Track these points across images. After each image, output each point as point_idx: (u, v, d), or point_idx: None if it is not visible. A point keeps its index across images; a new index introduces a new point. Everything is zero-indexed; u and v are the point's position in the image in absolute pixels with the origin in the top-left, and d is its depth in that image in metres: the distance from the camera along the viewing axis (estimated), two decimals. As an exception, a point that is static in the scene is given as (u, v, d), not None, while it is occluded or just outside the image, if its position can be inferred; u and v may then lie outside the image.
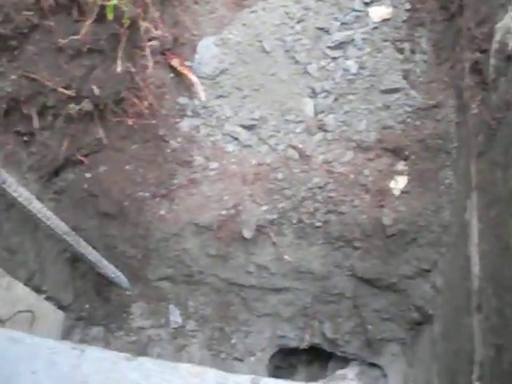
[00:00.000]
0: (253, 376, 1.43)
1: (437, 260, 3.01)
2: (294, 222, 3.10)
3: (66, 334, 3.34)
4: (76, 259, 3.17)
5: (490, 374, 2.23)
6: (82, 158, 2.91)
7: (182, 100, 3.10)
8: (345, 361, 3.70)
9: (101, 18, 2.42)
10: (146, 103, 2.84)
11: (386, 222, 2.99)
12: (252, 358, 3.53)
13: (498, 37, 2.49)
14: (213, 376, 1.41)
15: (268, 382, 1.41)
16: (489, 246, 2.37)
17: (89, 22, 2.36)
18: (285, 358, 3.90)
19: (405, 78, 3.11)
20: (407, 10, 3.14)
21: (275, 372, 3.84)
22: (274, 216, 3.09)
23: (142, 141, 3.00)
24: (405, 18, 3.14)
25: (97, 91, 2.61)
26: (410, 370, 3.34)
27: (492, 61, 2.54)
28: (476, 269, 2.48)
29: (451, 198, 2.94)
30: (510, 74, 2.35)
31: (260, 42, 3.11)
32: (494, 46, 2.53)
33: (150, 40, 2.74)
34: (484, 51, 2.65)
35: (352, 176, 3.06)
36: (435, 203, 2.97)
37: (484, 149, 2.55)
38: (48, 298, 3.09)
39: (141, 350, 3.40)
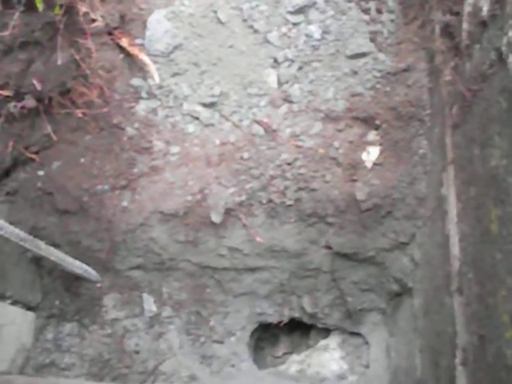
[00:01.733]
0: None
1: (414, 233, 2.91)
2: (264, 202, 2.96)
3: (38, 334, 3.21)
4: (41, 257, 3.00)
5: (473, 361, 2.17)
6: (33, 156, 2.71)
7: (136, 82, 2.88)
8: (326, 330, 3.65)
9: (30, 7, 2.17)
10: (95, 91, 2.62)
11: (360, 196, 2.86)
12: (232, 338, 3.45)
13: (470, -1, 2.31)
14: None
15: None
16: (469, 228, 2.26)
17: (17, 13, 2.10)
18: (266, 330, 3.83)
19: (372, 40, 2.93)
20: (371, -34, 2.92)
21: (257, 344, 3.79)
22: (243, 197, 2.94)
23: (95, 131, 2.80)
24: (369, -26, 2.92)
25: (38, 86, 2.39)
26: (392, 339, 3.30)
27: (465, 25, 2.38)
28: (455, 249, 2.38)
29: (426, 169, 2.81)
30: (484, 42, 2.18)
31: (215, 12, 2.88)
32: (467, 8, 2.36)
33: (92, 22, 2.50)
34: (456, 13, 2.47)
35: (322, 150, 2.90)
36: (410, 175, 2.84)
37: (459, 121, 2.41)
38: (14, 303, 2.95)
39: (117, 342, 3.29)
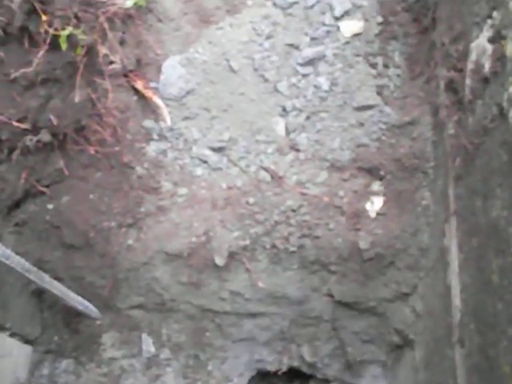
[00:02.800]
0: None
1: (416, 284, 2.92)
2: (268, 247, 2.99)
3: (34, 369, 3.20)
4: (43, 291, 3.02)
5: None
6: (43, 189, 2.77)
7: (148, 123, 2.96)
8: (326, 380, 3.61)
9: (54, 46, 2.27)
10: (108, 130, 2.70)
11: (363, 245, 2.89)
12: (229, 384, 3.42)
13: (473, 56, 2.40)
14: None
15: None
16: (470, 278, 2.28)
17: (41, 52, 2.20)
18: (264, 379, 3.80)
19: (378, 93, 3.02)
20: (379, 24, 3.04)
21: (254, 394, 3.76)
22: (247, 242, 2.98)
23: (106, 168, 2.86)
24: (377, 31, 3.04)
25: (55, 121, 2.47)
26: (392, 393, 3.27)
27: (468, 81, 2.45)
28: (457, 300, 2.40)
29: (429, 220, 2.85)
30: (486, 97, 2.25)
31: (227, 60, 2.98)
32: (470, 65, 2.43)
33: (110, 64, 2.60)
34: (459, 70, 2.56)
35: (326, 198, 2.95)
36: (413, 225, 2.88)
37: (462, 173, 2.46)
38: (13, 335, 2.95)
39: (113, 382, 3.27)
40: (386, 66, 3.05)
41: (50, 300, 3.17)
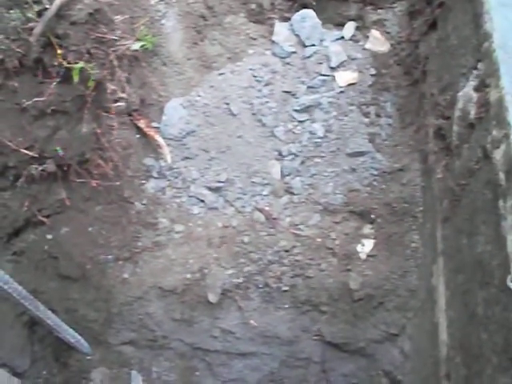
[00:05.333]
0: None
1: (405, 324, 2.98)
2: (261, 286, 3.06)
3: (21, 403, 3.18)
4: (35, 323, 3.04)
5: None
6: (44, 219, 2.84)
7: (148, 161, 3.07)
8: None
9: (66, 79, 2.40)
10: (111, 164, 2.80)
11: (353, 286, 2.96)
12: (218, 425, 3.41)
13: (460, 105, 2.53)
14: None
15: None
16: (456, 313, 2.35)
17: (54, 83, 2.33)
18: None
19: (370, 141, 3.14)
20: (372, 75, 3.19)
21: None
22: (240, 280, 3.04)
23: (106, 202, 2.95)
24: (370, 82, 3.19)
25: (61, 152, 2.56)
26: None
27: (455, 128, 2.58)
28: (444, 336, 2.45)
29: (418, 262, 2.93)
30: (472, 141, 2.38)
31: (227, 104, 3.11)
32: (457, 113, 2.57)
33: (116, 101, 2.72)
34: (447, 118, 2.69)
35: (319, 239, 3.04)
36: (402, 267, 2.96)
37: (449, 214, 2.56)
38: (1, 365, 2.94)
39: (101, 418, 3.26)
40: (378, 115, 3.19)
41: (41, 333, 3.18)
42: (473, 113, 2.38)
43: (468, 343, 2.18)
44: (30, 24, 2.22)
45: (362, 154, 3.12)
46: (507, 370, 1.79)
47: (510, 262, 1.84)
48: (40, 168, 2.54)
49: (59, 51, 2.26)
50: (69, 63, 2.29)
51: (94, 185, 2.81)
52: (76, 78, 2.34)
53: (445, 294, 2.50)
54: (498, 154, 2.05)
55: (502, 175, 1.99)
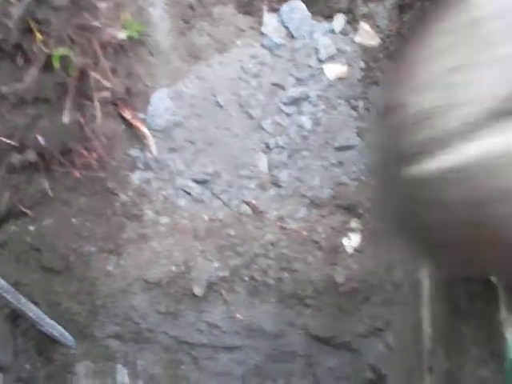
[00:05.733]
0: None
1: (390, 319, 2.97)
2: (246, 279, 3.03)
3: (3, 397, 3.15)
4: (17, 316, 3.01)
5: None
6: (26, 210, 2.80)
7: (134, 152, 3.03)
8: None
9: (47, 66, 2.35)
10: (95, 155, 2.76)
11: (339, 279, 2.95)
12: (203, 419, 3.39)
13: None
14: None
15: None
16: (440, 306, 2.33)
17: (34, 69, 2.29)
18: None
19: (359, 135, 3.12)
20: (362, 69, 3.17)
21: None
22: (226, 273, 3.02)
23: (90, 193, 2.91)
24: (359, 76, 3.16)
25: (42, 141, 2.52)
26: (364, 432, 3.25)
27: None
28: (428, 329, 2.44)
29: (403, 256, 2.91)
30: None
31: (214, 95, 3.08)
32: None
33: (100, 90, 2.68)
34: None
35: (305, 233, 3.01)
36: (388, 262, 2.94)
37: (436, 209, 2.54)
38: (-16, 360, 2.92)
39: (84, 412, 3.23)
40: (367, 109, 3.17)
41: (24, 326, 3.14)
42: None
43: (451, 337, 2.16)
44: (9, 8, 2.17)
45: (350, 147, 3.10)
46: (488, 364, 1.78)
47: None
48: (21, 157, 2.50)
49: (39, 37, 2.22)
50: (50, 50, 2.25)
51: (78, 175, 2.77)
52: (57, 65, 2.30)
53: (429, 288, 2.48)
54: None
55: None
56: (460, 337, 2.07)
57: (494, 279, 1.82)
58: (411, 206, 1.12)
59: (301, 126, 3.11)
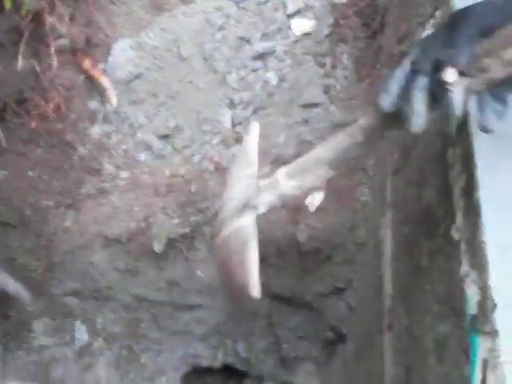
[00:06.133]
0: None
1: (351, 278, 2.96)
2: (208, 236, 2.98)
3: (-42, 354, 3.09)
4: (-27, 272, 2.93)
5: (397, 395, 2.18)
6: (-21, 162, 2.71)
7: (93, 105, 2.94)
8: (259, 380, 3.59)
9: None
10: (52, 105, 2.66)
11: (301, 238, 2.91)
12: (163, 378, 3.37)
13: (415, 54, 2.47)
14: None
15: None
16: (401, 264, 2.33)
17: (-15, 13, 2.18)
18: (198, 378, 3.75)
19: (325, 92, 3.06)
20: (330, 26, 3.10)
21: (188, 392, 3.71)
22: (187, 230, 2.96)
23: (47, 146, 2.81)
24: (327, 32, 3.10)
25: (-7, 88, 2.42)
26: (323, 390, 3.28)
27: (409, 78, 2.52)
28: (389, 288, 2.43)
29: (366, 215, 2.89)
30: (425, 91, 2.32)
31: (178, 47, 2.99)
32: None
33: (57, 37, 2.57)
34: (402, 68, 2.63)
35: (268, 190, 2.96)
36: (351, 221, 2.92)
37: (399, 166, 2.52)
38: None
39: (43, 369, 3.18)
40: (333, 66, 3.11)
41: (-20, 282, 3.07)
42: (427, 61, 2.32)
43: (411, 294, 2.16)
44: None
45: (315, 105, 3.04)
46: (448, 318, 1.77)
47: (455, 211, 1.80)
48: (-27, 105, 2.40)
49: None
50: (1, -10, 2.14)
51: (34, 126, 2.68)
52: (8, 5, 2.19)
53: (391, 246, 2.47)
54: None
55: (452, 123, 1.94)
56: (420, 294, 2.06)
57: (456, 235, 1.80)
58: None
59: (266, 82, 3.05)
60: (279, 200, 1.75)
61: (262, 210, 1.76)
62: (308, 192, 1.71)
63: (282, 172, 1.79)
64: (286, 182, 1.74)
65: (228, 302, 2.16)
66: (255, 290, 1.74)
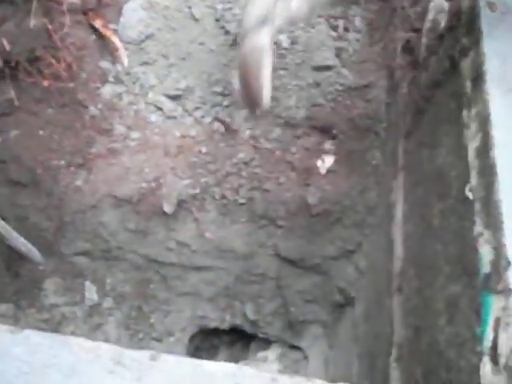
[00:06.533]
0: (151, 352, 1.32)
1: (361, 241, 2.98)
2: (217, 197, 3.00)
3: (-29, 311, 3.13)
4: (-16, 231, 2.95)
5: (408, 354, 2.20)
6: (-9, 121, 2.70)
7: (105, 64, 2.91)
8: (267, 342, 3.64)
9: (12, -37, 2.22)
10: (63, 65, 2.64)
11: (311, 200, 2.93)
12: (171, 339, 3.42)
13: (430, 15, 2.45)
14: (107, 351, 1.29)
15: (168, 359, 1.30)
16: (413, 226, 2.34)
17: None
18: (206, 339, 3.81)
19: (337, 55, 3.03)
20: (343, -13, 3.06)
21: (195, 353, 3.75)
22: (197, 191, 2.97)
23: (58, 105, 2.80)
24: (340, -6, 3.06)
25: (7, 46, 2.40)
26: (331, 352, 3.32)
27: (424, 40, 2.51)
28: (399, 250, 2.45)
29: (378, 179, 2.90)
30: (440, 53, 2.31)
31: (189, 8, 2.95)
32: (427, 24, 2.49)
33: (69, -3, 2.55)
34: (417, 30, 2.61)
35: (278, 153, 2.97)
36: (361, 184, 2.93)
37: (412, 129, 2.51)
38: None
39: (53, 328, 3.22)
40: (346, 29, 3.07)
41: (-9, 242, 3.10)
42: (443, 23, 2.30)
43: (422, 255, 2.17)
44: None
45: (327, 68, 3.02)
46: (459, 278, 1.79)
47: (470, 171, 1.80)
48: (-15, 62, 2.39)
49: None
50: None
51: (46, 85, 2.66)
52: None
53: (403, 208, 2.48)
54: (465, 63, 1.99)
55: (468, 84, 1.93)
56: (432, 255, 2.07)
57: (470, 195, 1.81)
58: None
59: (278, 44, 3.01)
60: (293, 17, 2.08)
61: (279, 23, 2.02)
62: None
63: None
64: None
65: (244, 104, 2.28)
66: (265, 100, 2.08)
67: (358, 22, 3.07)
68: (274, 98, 2.98)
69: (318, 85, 3.02)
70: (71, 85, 2.75)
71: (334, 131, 2.98)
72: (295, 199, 2.95)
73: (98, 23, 2.82)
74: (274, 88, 2.97)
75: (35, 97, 2.75)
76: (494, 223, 1.59)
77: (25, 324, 3.20)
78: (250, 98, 2.12)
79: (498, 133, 1.66)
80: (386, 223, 2.66)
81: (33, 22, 2.38)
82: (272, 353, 3.60)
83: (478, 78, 1.84)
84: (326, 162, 2.97)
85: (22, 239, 2.96)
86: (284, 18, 2.04)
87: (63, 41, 2.64)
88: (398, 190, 2.57)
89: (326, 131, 3.00)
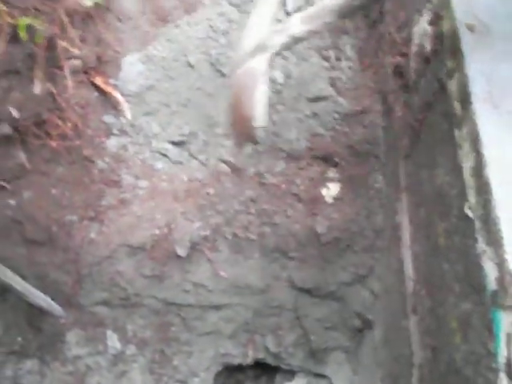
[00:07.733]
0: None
1: (373, 265, 3.02)
2: (229, 236, 3.06)
3: (-3, 371, 3.17)
4: (5, 290, 3.02)
5: (428, 375, 2.23)
6: (5, 184, 2.79)
7: (108, 119, 3.02)
8: (291, 373, 3.65)
9: (15, 38, 2.34)
10: (69, 124, 2.75)
11: (320, 230, 2.98)
12: (196, 379, 3.44)
13: (416, 40, 2.54)
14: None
15: None
16: (420, 247, 2.39)
17: (2, 42, 2.26)
18: (231, 376, 3.82)
19: (332, 85, 3.13)
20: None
21: (222, 391, 3.77)
22: (208, 232, 3.04)
23: (67, 163, 2.90)
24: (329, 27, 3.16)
25: (15, 114, 2.51)
26: (356, 378, 3.33)
27: (412, 64, 2.59)
28: (409, 271, 2.49)
29: (382, 202, 2.96)
30: (428, 75, 2.38)
31: (185, 56, 3.07)
32: (413, 49, 2.57)
33: (70, 59, 2.66)
34: (404, 55, 2.69)
35: (284, 186, 3.04)
36: (367, 208, 2.99)
37: (409, 151, 2.58)
38: (-25, 336, 2.93)
39: (79, 379, 3.27)
40: (338, 58, 3.18)
41: (12, 300, 3.15)
42: (428, 47, 2.38)
43: (431, 275, 2.22)
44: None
45: (323, 98, 3.11)
46: (469, 295, 1.83)
47: (467, 190, 1.86)
48: (-5, 131, 2.49)
49: (4, 8, 2.19)
50: (16, 21, 2.23)
51: (54, 146, 2.76)
52: (23, 34, 2.28)
53: (409, 229, 2.53)
54: (452, 85, 2.06)
55: (457, 104, 2.00)
56: (440, 274, 2.12)
57: (469, 213, 1.86)
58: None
59: (273, 81, 3.11)
60: (290, 41, 2.02)
61: (274, 50, 1.98)
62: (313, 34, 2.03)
63: (296, 17, 2.04)
64: (298, 26, 2.00)
65: (235, 134, 2.32)
66: (260, 120, 2.06)
67: (348, 50, 3.18)
68: (274, 133, 3.08)
69: (315, 115, 3.11)
70: (78, 142, 2.86)
71: (336, 159, 3.05)
72: (304, 230, 3.01)
73: (98, 80, 2.94)
74: (274, 123, 3.08)
75: (44, 157, 2.85)
76: (494, 240, 1.64)
77: (51, 379, 3.24)
78: (243, 121, 2.12)
79: (488, 151, 1.72)
80: (395, 245, 2.71)
81: (37, 88, 2.48)
82: (297, 383, 3.61)
83: (465, 99, 1.91)
84: (331, 190, 3.04)
85: (41, 295, 3.02)
86: (280, 44, 2.02)
87: (68, 102, 2.75)
88: (402, 212, 2.63)
89: (327, 160, 3.08)
